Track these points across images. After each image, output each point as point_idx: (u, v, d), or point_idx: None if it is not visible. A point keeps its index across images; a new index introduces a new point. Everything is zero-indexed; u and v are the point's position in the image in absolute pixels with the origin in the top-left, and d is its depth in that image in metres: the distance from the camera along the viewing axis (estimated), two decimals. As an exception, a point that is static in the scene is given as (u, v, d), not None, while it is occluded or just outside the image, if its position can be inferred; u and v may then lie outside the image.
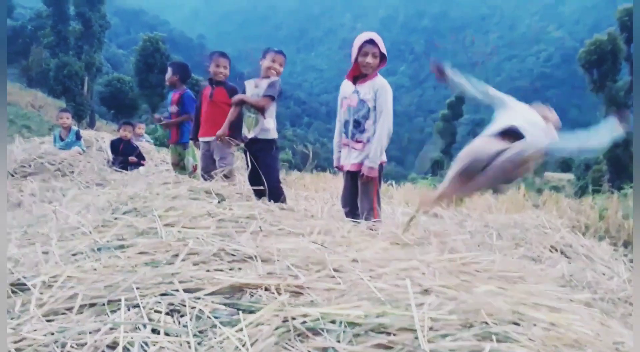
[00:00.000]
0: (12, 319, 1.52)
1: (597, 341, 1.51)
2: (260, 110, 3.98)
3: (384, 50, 3.44)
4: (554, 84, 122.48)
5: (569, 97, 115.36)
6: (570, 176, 39.31)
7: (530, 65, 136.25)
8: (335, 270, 1.82)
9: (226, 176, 3.93)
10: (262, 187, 3.77)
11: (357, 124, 3.48)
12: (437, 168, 45.94)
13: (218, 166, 4.42)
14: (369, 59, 3.40)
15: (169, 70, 5.29)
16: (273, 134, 4.12)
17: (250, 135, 3.99)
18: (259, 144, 4.03)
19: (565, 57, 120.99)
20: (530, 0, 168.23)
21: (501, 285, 1.86)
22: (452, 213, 5.60)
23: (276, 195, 3.81)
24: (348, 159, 3.58)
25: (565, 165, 44.34)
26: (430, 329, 1.39)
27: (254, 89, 4.08)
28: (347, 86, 3.63)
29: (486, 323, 1.46)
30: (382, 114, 3.41)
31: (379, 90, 3.43)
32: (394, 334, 1.36)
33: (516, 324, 1.51)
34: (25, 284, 1.73)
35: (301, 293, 1.65)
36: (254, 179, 4.02)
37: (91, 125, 32.37)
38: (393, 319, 1.41)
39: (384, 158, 3.53)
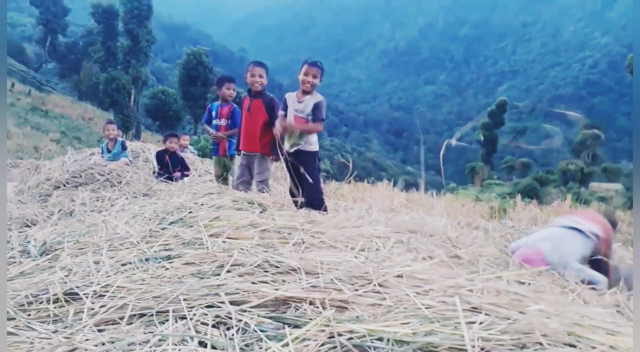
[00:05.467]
0: (65, 328, 1.57)
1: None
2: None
3: None
4: (601, 91, 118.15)
5: (616, 104, 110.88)
6: (618, 186, 37.48)
7: (576, 72, 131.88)
8: (380, 285, 1.78)
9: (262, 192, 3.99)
10: (301, 198, 3.79)
11: None
12: (477, 177, 44.96)
13: (255, 179, 4.50)
14: None
15: (234, 85, 5.40)
16: (315, 146, 4.15)
17: (292, 150, 4.03)
18: (303, 156, 4.06)
19: (612, 64, 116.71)
20: (575, 6, 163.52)
21: (554, 305, 1.78)
22: (496, 225, 5.45)
23: (318, 206, 3.81)
24: None
25: (612, 174, 42.38)
26: (482, 349, 1.34)
27: (297, 104, 4.10)
28: None
29: (540, 344, 1.39)
30: None
31: None
32: (444, 354, 1.32)
33: (572, 346, 1.43)
34: (77, 294, 1.78)
35: (346, 308, 1.62)
36: (295, 189, 4.05)
37: (137, 136, 33.53)
38: (442, 337, 1.37)
39: None
